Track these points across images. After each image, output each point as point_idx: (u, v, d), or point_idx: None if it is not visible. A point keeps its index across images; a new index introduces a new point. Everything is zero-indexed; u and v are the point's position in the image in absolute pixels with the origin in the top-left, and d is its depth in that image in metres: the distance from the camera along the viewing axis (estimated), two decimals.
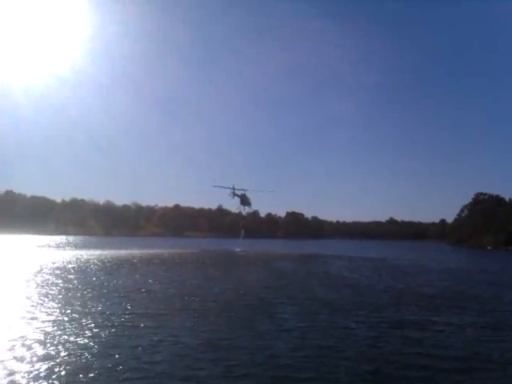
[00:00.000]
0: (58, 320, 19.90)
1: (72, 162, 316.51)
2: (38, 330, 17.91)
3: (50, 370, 13.29)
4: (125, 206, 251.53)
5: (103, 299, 26.19)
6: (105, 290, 29.85)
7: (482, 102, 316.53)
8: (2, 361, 13.99)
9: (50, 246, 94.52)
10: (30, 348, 15.44)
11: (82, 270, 43.74)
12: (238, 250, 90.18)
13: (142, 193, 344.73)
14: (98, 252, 74.67)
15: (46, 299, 25.50)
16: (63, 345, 15.86)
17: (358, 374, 14.07)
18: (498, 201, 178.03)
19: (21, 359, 14.23)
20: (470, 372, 14.44)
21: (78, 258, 58.57)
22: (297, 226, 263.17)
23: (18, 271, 41.76)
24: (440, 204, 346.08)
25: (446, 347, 17.16)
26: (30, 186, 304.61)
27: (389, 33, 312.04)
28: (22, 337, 16.81)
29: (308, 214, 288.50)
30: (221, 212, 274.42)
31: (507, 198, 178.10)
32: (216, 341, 17.15)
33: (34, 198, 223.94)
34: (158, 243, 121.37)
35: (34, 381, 12.46)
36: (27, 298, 25.95)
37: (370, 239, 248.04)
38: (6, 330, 17.91)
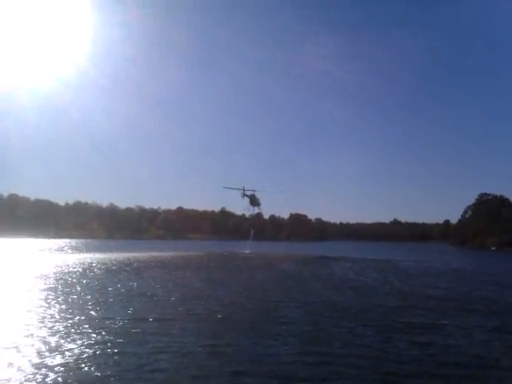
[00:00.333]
0: (60, 325, 19.71)
1: (75, 164, 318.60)
2: (38, 336, 17.71)
3: (52, 378, 13.09)
4: (128, 209, 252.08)
5: (106, 304, 25.97)
6: (107, 295, 29.61)
7: (486, 102, 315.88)
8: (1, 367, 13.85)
9: (53, 250, 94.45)
10: (30, 354, 15.24)
11: (85, 273, 43.55)
12: (247, 251, 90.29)
13: (145, 195, 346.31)
14: (100, 255, 74.55)
15: (47, 304, 25.30)
16: (65, 351, 15.65)
17: (364, 379, 13.83)
18: (502, 201, 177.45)
19: (21, 365, 14.03)
20: (479, 377, 14.18)
21: (80, 262, 58.37)
22: (300, 228, 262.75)
23: (20, 275, 41.66)
24: (444, 205, 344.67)
25: (455, 351, 16.84)
26: (33, 189, 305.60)
27: (390, 35, 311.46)
28: (23, 342, 16.63)
29: (311, 216, 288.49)
30: (224, 214, 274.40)
31: (511, 199, 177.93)
32: (221, 347, 16.88)
33: (37, 201, 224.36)
34: (161, 246, 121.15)
35: None
36: (29, 302, 25.78)
37: (373, 241, 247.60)
38: (6, 336, 17.74)
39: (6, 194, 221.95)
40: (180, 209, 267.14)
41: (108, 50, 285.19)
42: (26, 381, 12.83)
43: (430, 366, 15.05)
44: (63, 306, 24.57)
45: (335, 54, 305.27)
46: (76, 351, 15.64)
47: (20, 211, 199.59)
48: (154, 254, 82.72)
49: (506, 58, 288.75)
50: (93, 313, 22.91)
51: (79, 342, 16.92)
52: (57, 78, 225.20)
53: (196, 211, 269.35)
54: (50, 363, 14.30)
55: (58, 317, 21.60)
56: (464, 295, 32.99)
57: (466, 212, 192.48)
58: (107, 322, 20.51)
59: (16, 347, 15.96)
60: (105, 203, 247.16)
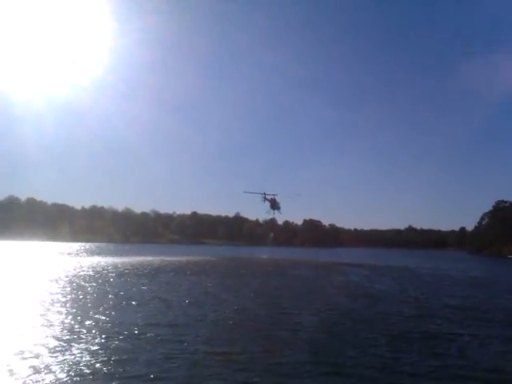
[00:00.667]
0: (69, 329, 19.73)
1: (92, 169, 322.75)
2: (49, 339, 17.75)
3: (62, 381, 13.14)
4: (143, 214, 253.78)
5: (117, 308, 26.05)
6: (120, 299, 29.70)
7: (502, 108, 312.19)
8: (13, 369, 13.92)
9: (68, 253, 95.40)
10: (40, 356, 15.29)
11: (98, 277, 43.80)
12: (265, 257, 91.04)
13: (160, 200, 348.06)
14: (115, 259, 75.11)
15: (58, 307, 25.42)
16: (72, 356, 15.61)
17: None
18: None
19: (31, 367, 14.08)
20: None
21: (95, 265, 58.84)
22: (314, 234, 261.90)
23: (35, 278, 42.04)
24: (459, 212, 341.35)
25: (471, 362, 16.46)
26: (50, 193, 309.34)
27: (401, 40, 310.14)
28: (35, 344, 16.72)
29: (326, 222, 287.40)
30: (238, 219, 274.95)
31: None
32: (233, 355, 16.70)
33: (54, 205, 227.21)
34: (175, 250, 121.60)
35: None
36: (40, 305, 25.90)
37: (388, 247, 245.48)
38: (18, 338, 17.88)
39: (23, 198, 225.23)
40: (195, 214, 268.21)
41: (125, 56, 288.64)
42: (32, 381, 12.89)
43: (444, 377, 14.73)
44: (74, 310, 24.63)
45: (351, 59, 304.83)
46: (84, 357, 15.57)
47: (37, 215, 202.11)
48: (168, 258, 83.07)
49: None
50: (104, 317, 22.93)
51: (88, 347, 16.87)
52: (74, 84, 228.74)
53: (210, 216, 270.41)
54: (56, 368, 14.25)
55: (68, 320, 21.63)
56: (481, 304, 32.41)
57: (482, 219, 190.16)
58: (118, 327, 20.49)
59: (22, 352, 15.90)
60: (120, 208, 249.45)
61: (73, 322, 21.21)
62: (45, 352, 15.91)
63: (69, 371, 13.97)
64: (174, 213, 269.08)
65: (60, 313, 23.68)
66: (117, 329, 20.09)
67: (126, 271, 51.89)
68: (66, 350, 16.18)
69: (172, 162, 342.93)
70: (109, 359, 15.37)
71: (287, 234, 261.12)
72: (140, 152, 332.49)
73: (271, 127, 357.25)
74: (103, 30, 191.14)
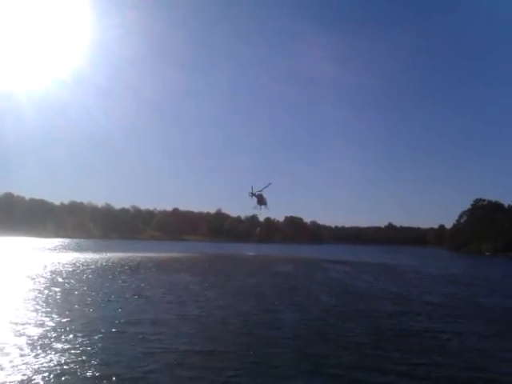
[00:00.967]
0: (47, 327, 19.33)
1: (71, 164, 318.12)
2: (23, 337, 17.32)
3: (36, 381, 12.79)
4: (123, 210, 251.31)
5: (97, 305, 25.67)
6: (99, 296, 29.26)
7: (481, 109, 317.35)
8: None
9: (47, 249, 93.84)
10: (13, 356, 14.89)
11: (77, 274, 43.09)
12: (250, 253, 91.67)
13: (140, 196, 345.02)
14: (94, 255, 74.13)
15: (37, 304, 24.88)
16: (50, 354, 15.27)
17: None
18: (497, 207, 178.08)
19: (4, 368, 13.68)
20: None
21: (74, 262, 57.92)
22: (295, 231, 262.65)
23: (11, 275, 41.10)
24: (439, 209, 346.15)
25: (454, 359, 16.59)
26: (29, 188, 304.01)
27: (390, 35, 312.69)
28: (7, 344, 16.25)
29: (307, 219, 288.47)
30: (220, 216, 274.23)
31: (506, 205, 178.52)
32: (215, 352, 16.59)
33: (32, 200, 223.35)
34: (156, 247, 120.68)
35: None
36: (18, 302, 25.35)
37: (368, 244, 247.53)
38: None
39: (1, 193, 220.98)
40: (176, 210, 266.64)
41: (105, 50, 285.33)
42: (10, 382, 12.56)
43: (425, 375, 14.73)
44: (51, 307, 24.07)
45: (333, 54, 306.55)
46: (60, 356, 15.18)
47: (15, 210, 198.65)
48: (149, 254, 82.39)
49: (503, 64, 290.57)
50: (82, 314, 22.50)
51: (64, 345, 16.48)
52: (54, 78, 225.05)
53: (192, 212, 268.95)
54: (34, 367, 13.93)
55: (44, 318, 21.14)
56: (461, 301, 32.79)
57: (461, 217, 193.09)
58: (96, 325, 20.11)
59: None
60: (100, 203, 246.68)
61: (49, 320, 20.74)
62: (18, 351, 15.48)
63: (44, 371, 13.60)
64: (155, 209, 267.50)
65: (36, 310, 23.11)
66: (95, 327, 19.70)
67: (106, 268, 51.23)
68: (41, 349, 15.79)
69: (153, 157, 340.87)
70: (86, 358, 15.02)
71: (269, 231, 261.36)
72: (120, 147, 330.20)
73: (252, 123, 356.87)
74: (83, 24, 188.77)
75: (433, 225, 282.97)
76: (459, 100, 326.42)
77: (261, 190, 23.67)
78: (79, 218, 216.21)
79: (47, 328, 19.04)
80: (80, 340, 17.24)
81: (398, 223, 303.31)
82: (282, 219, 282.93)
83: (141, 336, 18.33)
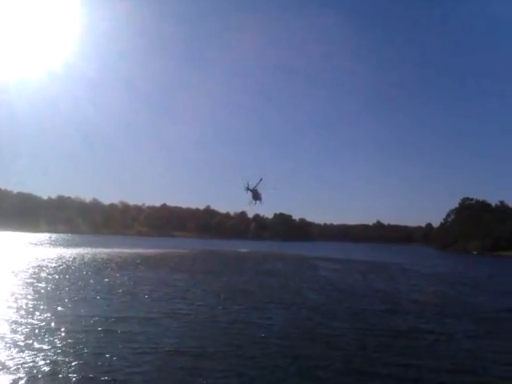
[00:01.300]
0: (34, 324, 18.99)
1: (60, 158, 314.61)
2: (9, 335, 16.98)
3: (22, 380, 12.53)
4: (111, 205, 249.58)
5: (84, 301, 25.35)
6: (86, 292, 28.87)
7: (471, 108, 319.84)
8: None
9: (34, 244, 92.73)
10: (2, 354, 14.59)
11: (64, 269, 42.56)
12: (244, 250, 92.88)
13: (129, 191, 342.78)
14: (82, 250, 73.42)
15: (23, 300, 24.47)
16: (35, 351, 15.01)
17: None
18: (484, 206, 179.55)
19: None
20: None
21: (61, 257, 57.25)
22: (284, 228, 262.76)
23: None
24: (426, 208, 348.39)
25: (441, 359, 16.59)
26: (17, 182, 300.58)
27: (384, 32, 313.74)
28: None
29: (296, 216, 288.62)
30: (209, 212, 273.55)
31: (493, 204, 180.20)
32: (204, 349, 16.44)
33: (20, 194, 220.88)
34: (145, 243, 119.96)
35: None
36: (3, 298, 24.89)
37: (356, 242, 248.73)
38: None
39: None
40: (164, 206, 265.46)
41: (96, 42, 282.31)
42: None
43: (411, 373, 14.76)
44: (37, 304, 23.65)
45: (322, 49, 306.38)
46: (46, 353, 14.93)
47: (2, 204, 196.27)
48: (137, 250, 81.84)
49: (495, 65, 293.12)
50: (69, 311, 22.20)
51: (49, 343, 16.20)
52: (46, 70, 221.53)
53: (180, 208, 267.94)
54: (16, 367, 13.60)
55: (29, 315, 20.78)
56: (448, 300, 32.94)
57: (448, 216, 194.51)
58: (84, 322, 19.87)
59: None
60: (88, 198, 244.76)
61: (33, 318, 20.35)
62: (1, 349, 15.17)
63: (26, 371, 13.31)
64: (144, 204, 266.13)
65: (19, 308, 22.64)
66: (81, 324, 19.44)
67: (93, 264, 50.70)
68: (27, 346, 15.50)
69: (142, 152, 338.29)
70: (71, 357, 14.73)
71: (258, 228, 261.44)
72: (109, 141, 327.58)
73: (244, 119, 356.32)
74: (74, 16, 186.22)
75: (420, 223, 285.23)
76: (449, 98, 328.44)
77: (255, 186, 23.55)
78: (67, 213, 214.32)
79: (31, 326, 18.70)
80: (64, 338, 16.92)
81: (386, 221, 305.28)
82: (271, 216, 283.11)
83: (127, 334, 18.08)
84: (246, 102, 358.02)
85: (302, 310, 25.85)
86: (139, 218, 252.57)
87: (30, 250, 74.77)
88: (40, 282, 32.19)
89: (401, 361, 16.11)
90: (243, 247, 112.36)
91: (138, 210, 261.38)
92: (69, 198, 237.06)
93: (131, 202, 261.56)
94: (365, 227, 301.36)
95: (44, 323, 19.17)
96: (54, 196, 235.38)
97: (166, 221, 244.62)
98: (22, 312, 21.40)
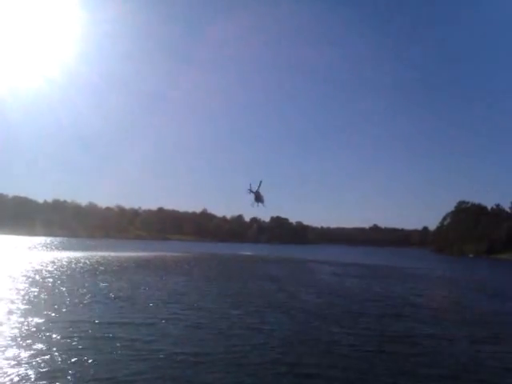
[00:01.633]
0: (28, 328, 18.70)
1: (56, 161, 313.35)
2: (2, 339, 16.73)
3: None
4: (108, 209, 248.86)
5: (81, 306, 25.02)
6: (83, 296, 28.50)
7: (467, 112, 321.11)
8: None
9: (29, 248, 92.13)
10: None
11: (60, 273, 42.16)
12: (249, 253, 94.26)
13: (125, 195, 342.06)
14: (78, 254, 72.94)
15: (17, 305, 24.09)
16: (30, 357, 14.76)
17: None
18: (480, 209, 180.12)
19: None
20: None
21: (56, 261, 56.81)
22: (281, 231, 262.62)
23: None
24: (423, 211, 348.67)
25: (442, 363, 16.42)
26: (13, 186, 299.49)
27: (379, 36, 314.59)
28: None
29: (292, 219, 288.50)
30: (205, 216, 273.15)
31: (489, 207, 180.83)
32: (200, 355, 16.21)
33: (16, 198, 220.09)
34: (142, 246, 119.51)
35: None
36: None
37: (353, 245, 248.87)
38: None
39: None
40: (161, 209, 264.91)
41: (96, 46, 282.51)
42: None
43: (412, 379, 14.62)
44: (31, 308, 23.32)
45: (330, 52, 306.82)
46: (39, 359, 14.68)
47: None
48: (133, 254, 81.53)
49: (491, 70, 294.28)
50: (64, 316, 21.89)
51: (43, 348, 15.94)
52: (44, 76, 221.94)
53: (177, 212, 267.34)
54: (9, 371, 13.36)
55: (24, 319, 20.45)
56: (448, 303, 32.89)
57: (444, 219, 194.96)
58: (79, 326, 19.60)
59: None
60: (84, 202, 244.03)
61: (27, 322, 20.02)
62: None
63: (23, 376, 13.09)
64: (140, 208, 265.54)
65: (13, 312, 22.33)
66: (76, 329, 19.16)
67: (89, 267, 50.37)
68: (20, 353, 15.21)
69: (138, 155, 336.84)
70: (69, 362, 14.49)
71: (255, 231, 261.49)
72: (105, 144, 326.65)
73: (243, 123, 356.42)
74: (74, 19, 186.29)
75: (417, 226, 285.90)
76: (444, 104, 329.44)
77: (257, 189, 23.51)
78: (63, 217, 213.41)
79: (25, 330, 18.42)
80: (59, 344, 16.63)
81: (382, 224, 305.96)
82: (267, 219, 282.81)
83: (124, 339, 17.79)
84: (244, 105, 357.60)
85: (300, 314, 25.59)
86: (136, 222, 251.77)
87: (25, 253, 74.30)
88: (35, 287, 31.83)
89: (402, 366, 15.88)
90: (243, 250, 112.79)
91: (135, 213, 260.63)
92: (65, 201, 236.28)
93: (127, 205, 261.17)
94: (361, 230, 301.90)
95: (38, 329, 18.83)
96: (49, 200, 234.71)
97: (162, 224, 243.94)
98: (15, 318, 21.01)
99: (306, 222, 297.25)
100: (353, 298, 33.51)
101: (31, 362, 14.30)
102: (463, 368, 16.03)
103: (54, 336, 17.70)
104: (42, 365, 14.15)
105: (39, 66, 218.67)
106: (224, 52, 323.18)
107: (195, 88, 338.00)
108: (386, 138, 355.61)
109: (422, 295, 36.98)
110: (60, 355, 15.19)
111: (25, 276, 38.21)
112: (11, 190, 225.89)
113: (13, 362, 14.26)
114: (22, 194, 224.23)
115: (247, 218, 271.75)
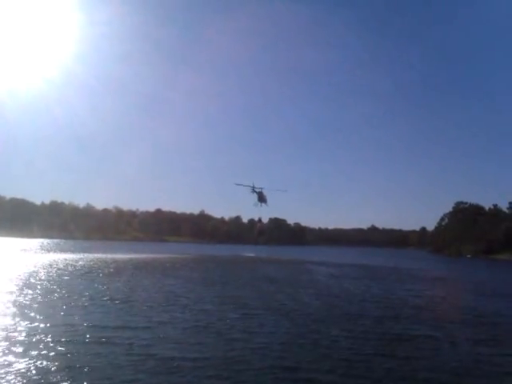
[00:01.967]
0: (26, 332, 18.44)
1: (53, 163, 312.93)
2: (1, 344, 16.47)
3: None
4: (105, 210, 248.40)
5: (78, 309, 24.75)
6: (80, 299, 28.25)
7: (465, 113, 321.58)
8: None
9: (26, 250, 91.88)
10: None
11: (57, 275, 41.95)
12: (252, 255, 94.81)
13: (123, 197, 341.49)
14: (75, 256, 72.80)
15: (14, 308, 23.87)
16: (28, 361, 14.54)
17: None
18: (477, 210, 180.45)
19: None
20: None
21: (53, 263, 56.54)
22: (279, 232, 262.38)
23: None
24: (421, 212, 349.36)
25: (440, 365, 16.27)
26: (11, 188, 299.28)
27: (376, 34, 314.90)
28: None
29: (290, 221, 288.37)
30: (203, 217, 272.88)
31: (487, 207, 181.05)
32: (199, 360, 16.02)
33: (13, 200, 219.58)
34: (140, 247, 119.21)
35: None
36: None
37: (351, 246, 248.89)
38: None
39: None
40: (158, 211, 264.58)
41: (93, 47, 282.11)
42: None
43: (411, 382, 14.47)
44: (28, 311, 23.06)
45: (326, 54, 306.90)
46: (37, 363, 14.47)
47: None
48: (131, 256, 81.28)
49: (489, 69, 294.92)
50: (61, 318, 21.68)
51: (41, 352, 15.71)
52: (41, 76, 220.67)
53: (175, 213, 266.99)
54: (7, 376, 13.15)
55: (21, 322, 20.22)
56: (446, 304, 32.76)
57: (442, 219, 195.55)
58: (77, 330, 19.38)
59: None
60: (82, 203, 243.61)
61: (24, 325, 19.78)
62: None
63: (19, 381, 12.88)
64: (137, 210, 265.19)
65: (10, 315, 22.09)
66: (74, 332, 18.93)
67: (87, 270, 50.13)
68: (15, 357, 14.97)
69: (136, 157, 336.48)
70: (64, 366, 14.27)
71: (252, 232, 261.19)
72: (102, 146, 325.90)
73: (240, 123, 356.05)
74: (70, 21, 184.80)
75: (415, 227, 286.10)
76: (442, 104, 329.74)
77: (260, 190, 23.53)
78: (60, 219, 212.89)
79: (19, 334, 18.21)
80: (55, 348, 16.42)
81: (380, 225, 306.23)
82: (265, 221, 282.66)
83: (121, 343, 17.61)
84: (242, 107, 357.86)
85: (299, 316, 25.39)
86: (133, 223, 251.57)
87: (22, 255, 74.03)
88: (32, 289, 31.59)
89: (402, 370, 15.69)
90: (242, 252, 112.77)
91: (132, 215, 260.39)
92: (62, 203, 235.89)
93: (125, 207, 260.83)
94: (360, 231, 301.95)
95: (32, 332, 18.57)
96: (47, 201, 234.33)
97: (160, 226, 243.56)
98: (15, 320, 20.84)
99: (304, 223, 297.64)
100: (351, 299, 33.36)
101: (25, 367, 14.08)
102: (464, 372, 15.83)
103: (49, 340, 17.45)
104: (36, 370, 13.93)
105: (38, 67, 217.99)
106: (222, 54, 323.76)
107: (193, 89, 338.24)
108: (384, 139, 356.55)
109: (420, 296, 36.82)
110: (54, 360, 14.96)
111: (20, 279, 37.97)
112: (8, 192, 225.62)
113: (6, 368, 14.01)
114: (20, 196, 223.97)
115: (245, 219, 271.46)
